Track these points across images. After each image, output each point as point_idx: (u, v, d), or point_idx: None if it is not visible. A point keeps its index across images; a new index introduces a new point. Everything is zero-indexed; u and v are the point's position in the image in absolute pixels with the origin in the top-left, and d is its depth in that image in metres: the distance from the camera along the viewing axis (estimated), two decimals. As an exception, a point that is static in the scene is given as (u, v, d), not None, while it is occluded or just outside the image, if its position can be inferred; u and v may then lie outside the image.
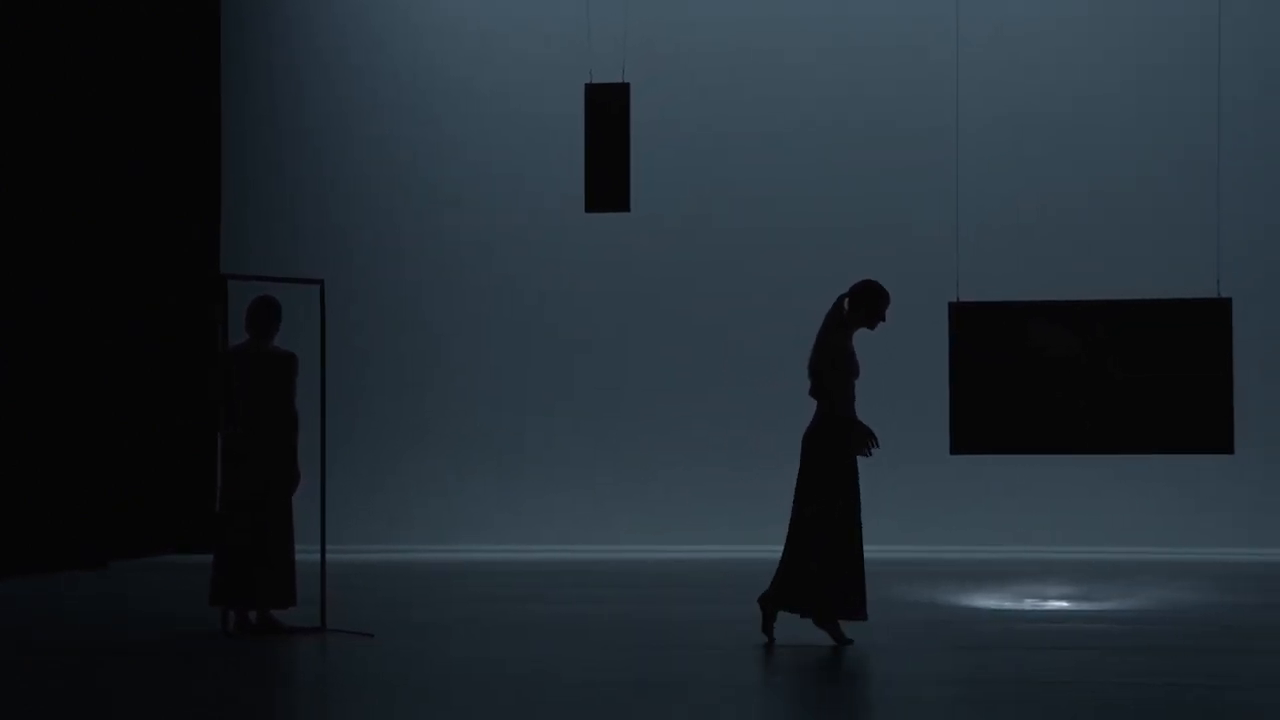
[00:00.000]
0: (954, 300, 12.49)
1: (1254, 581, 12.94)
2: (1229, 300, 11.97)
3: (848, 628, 9.64)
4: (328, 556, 10.43)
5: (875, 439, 9.63)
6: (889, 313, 9.86)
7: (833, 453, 9.63)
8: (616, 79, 12.73)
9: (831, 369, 9.67)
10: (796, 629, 9.70)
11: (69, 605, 11.99)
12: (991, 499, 14.99)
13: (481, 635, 10.25)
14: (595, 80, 12.73)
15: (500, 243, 15.69)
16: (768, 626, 9.71)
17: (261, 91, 15.81)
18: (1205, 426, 11.78)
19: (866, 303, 9.74)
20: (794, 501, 9.74)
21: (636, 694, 8.35)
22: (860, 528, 9.65)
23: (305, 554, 10.48)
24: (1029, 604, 11.67)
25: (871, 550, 15.12)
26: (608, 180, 12.40)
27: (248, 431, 10.20)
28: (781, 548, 9.75)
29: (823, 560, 9.57)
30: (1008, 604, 11.65)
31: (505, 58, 15.66)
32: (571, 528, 15.43)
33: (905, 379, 14.83)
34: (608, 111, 12.40)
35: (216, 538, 10.31)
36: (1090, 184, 15.15)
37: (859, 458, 9.69)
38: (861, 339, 15.29)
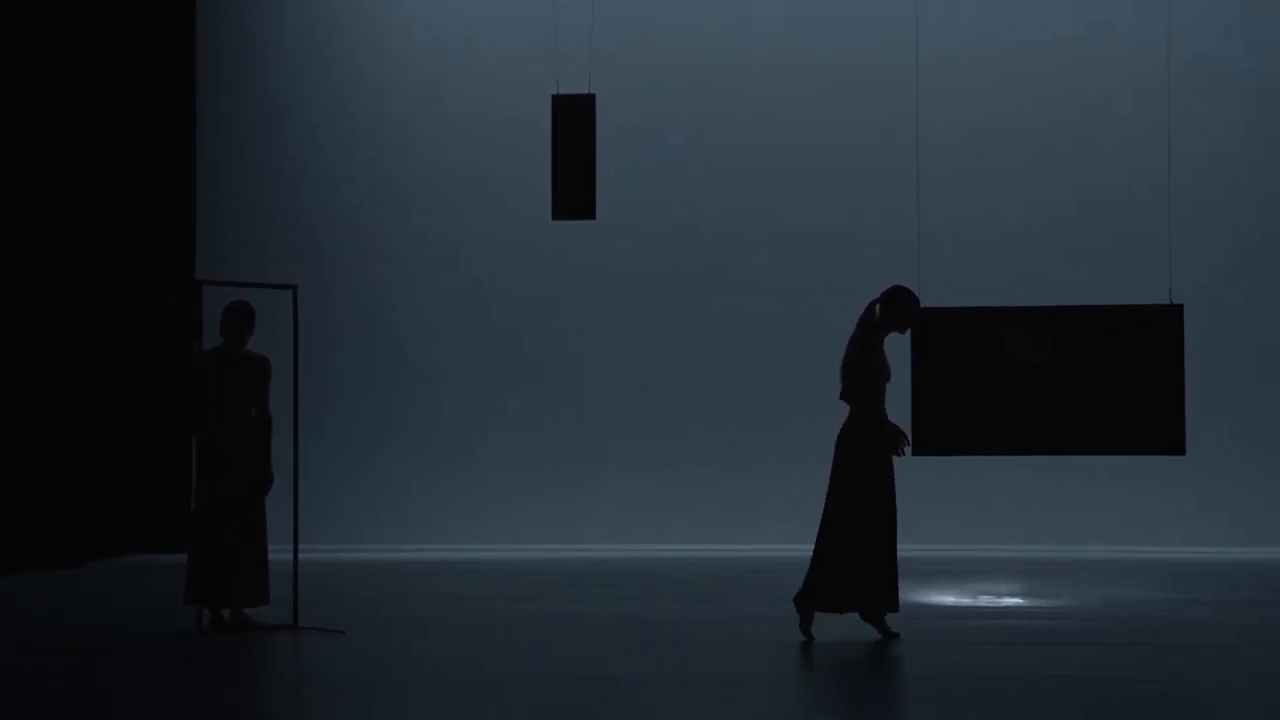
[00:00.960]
0: (914, 305, 12.51)
1: (1204, 579, 12.99)
2: (1180, 307, 12.02)
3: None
4: (300, 556, 10.40)
5: (906, 438, 9.68)
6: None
7: (866, 452, 9.64)
8: (582, 90, 12.73)
9: (862, 372, 9.67)
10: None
11: (46, 604, 11.91)
12: (952, 498, 15.02)
13: (450, 632, 10.23)
14: (562, 91, 12.72)
15: (469, 249, 15.66)
16: (806, 626, 9.70)
17: (236, 102, 15.75)
18: (1158, 428, 11.83)
19: (897, 307, 9.78)
20: (827, 500, 9.73)
21: (601, 690, 8.33)
22: (895, 524, 9.67)
23: (278, 553, 10.46)
24: (984, 601, 11.70)
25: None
26: (574, 188, 12.39)
27: (222, 433, 10.16)
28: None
29: (860, 557, 9.57)
30: (964, 600, 11.67)
31: (474, 69, 15.64)
32: (536, 527, 15.42)
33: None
34: (574, 121, 12.39)
35: (192, 538, 10.27)
36: (1048, 196, 15.20)
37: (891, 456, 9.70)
38: (829, 346, 15.34)
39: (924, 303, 12.56)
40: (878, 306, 9.80)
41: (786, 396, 15.23)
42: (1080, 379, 11.95)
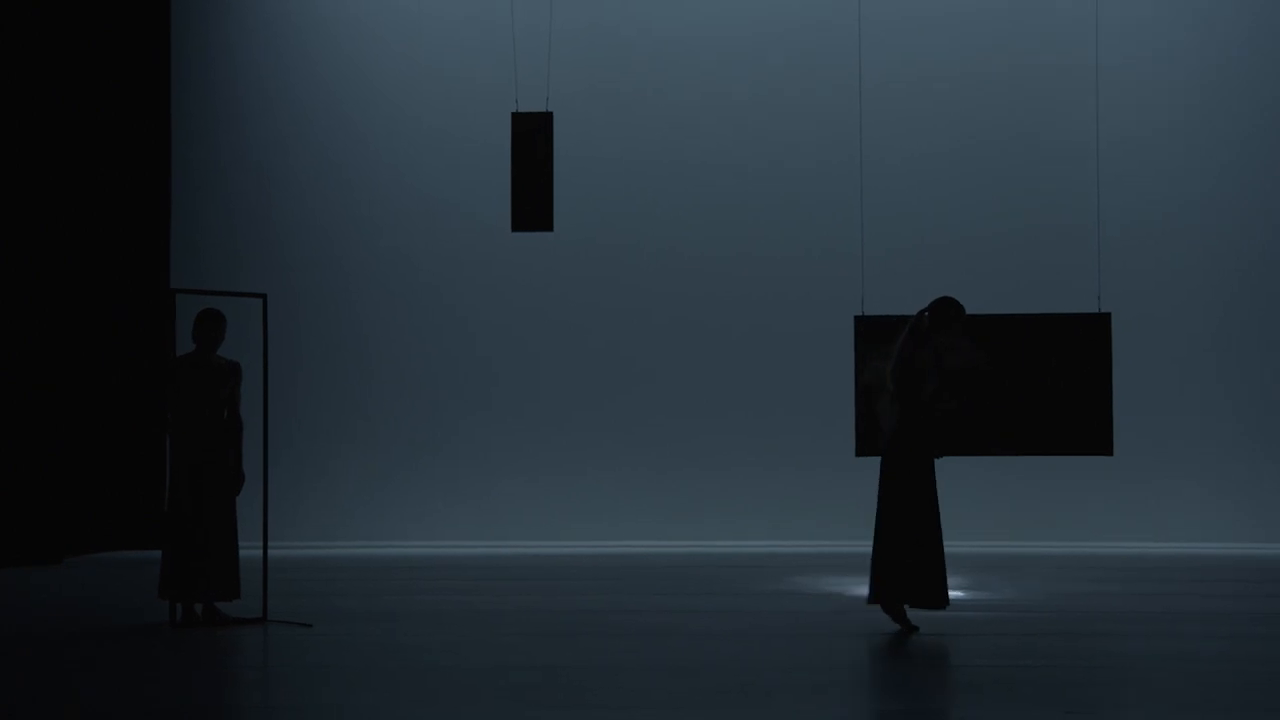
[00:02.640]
0: (859, 314, 12.58)
1: (1131, 573, 13.05)
2: (1109, 315, 12.11)
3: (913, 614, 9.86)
4: (269, 552, 10.38)
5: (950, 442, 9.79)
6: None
7: (914, 456, 9.68)
8: (541, 108, 12.74)
9: (909, 378, 9.69)
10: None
11: (25, 599, 11.84)
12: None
13: (412, 625, 10.21)
14: (521, 109, 12.74)
15: (432, 259, 15.65)
16: (901, 619, 9.77)
17: (209, 121, 15.70)
18: (1087, 430, 11.91)
19: (943, 317, 9.76)
20: (880, 503, 9.79)
21: (533, 678, 8.34)
22: (940, 522, 9.73)
23: (248, 550, 10.43)
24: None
25: (785, 545, 15.25)
26: (532, 202, 12.40)
27: (194, 435, 10.13)
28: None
29: (902, 553, 9.67)
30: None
31: (438, 89, 15.63)
32: (495, 525, 15.42)
33: (815, 387, 14.92)
34: (532, 138, 12.41)
35: (165, 535, 10.23)
36: (984, 209, 15.28)
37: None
38: (776, 352, 15.40)
39: (866, 312, 12.65)
40: (926, 316, 9.77)
41: (728, 401, 15.28)
42: (1016, 383, 12.01)
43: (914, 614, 9.91)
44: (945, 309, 9.76)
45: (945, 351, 9.73)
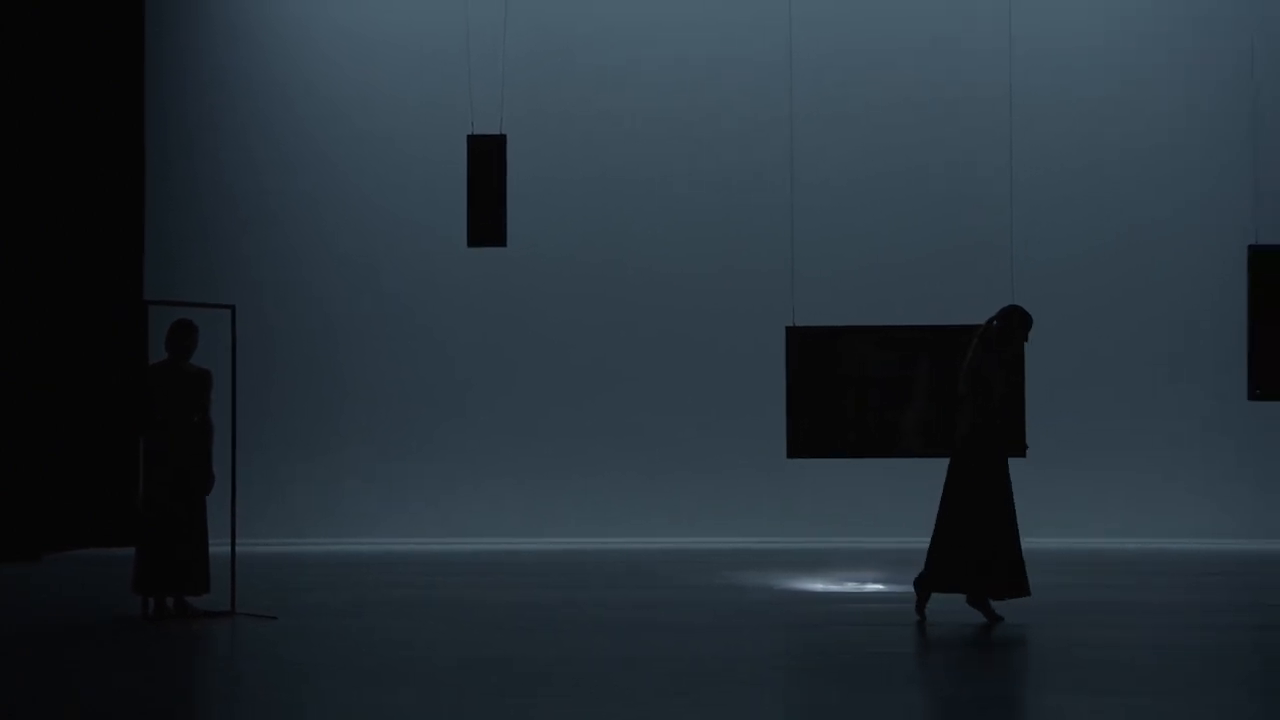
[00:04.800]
0: (790, 325, 12.68)
1: (1044, 565, 13.16)
2: (1022, 325, 12.20)
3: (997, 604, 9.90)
4: (237, 549, 10.39)
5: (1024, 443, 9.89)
6: (1031, 333, 9.92)
7: (984, 456, 9.68)
8: (495, 131, 12.80)
9: (981, 383, 9.67)
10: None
11: (7, 593, 11.79)
12: (821, 497, 15.17)
13: (373, 617, 10.23)
14: (476, 132, 12.79)
15: (393, 271, 15.67)
16: (920, 607, 9.83)
17: (182, 141, 15.66)
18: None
19: (1010, 325, 9.74)
20: (946, 496, 9.80)
21: (483, 670, 8.38)
22: (1015, 516, 9.74)
23: (218, 547, 10.43)
24: (849, 587, 11.82)
25: (715, 542, 15.32)
26: (487, 219, 12.45)
27: (167, 438, 10.13)
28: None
29: (975, 547, 9.67)
30: (832, 587, 11.79)
31: (398, 112, 15.65)
32: (453, 523, 15.44)
33: (749, 393, 15.03)
34: (487, 159, 12.46)
35: (139, 532, 10.22)
36: (903, 228, 15.41)
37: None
38: (713, 361, 15.47)
39: (797, 323, 12.75)
40: (995, 325, 9.75)
41: (669, 407, 15.36)
42: (933, 389, 12.13)
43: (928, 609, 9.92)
44: (1011, 318, 9.74)
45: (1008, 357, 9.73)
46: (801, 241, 14.40)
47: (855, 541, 14.86)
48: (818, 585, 11.85)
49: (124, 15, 15.33)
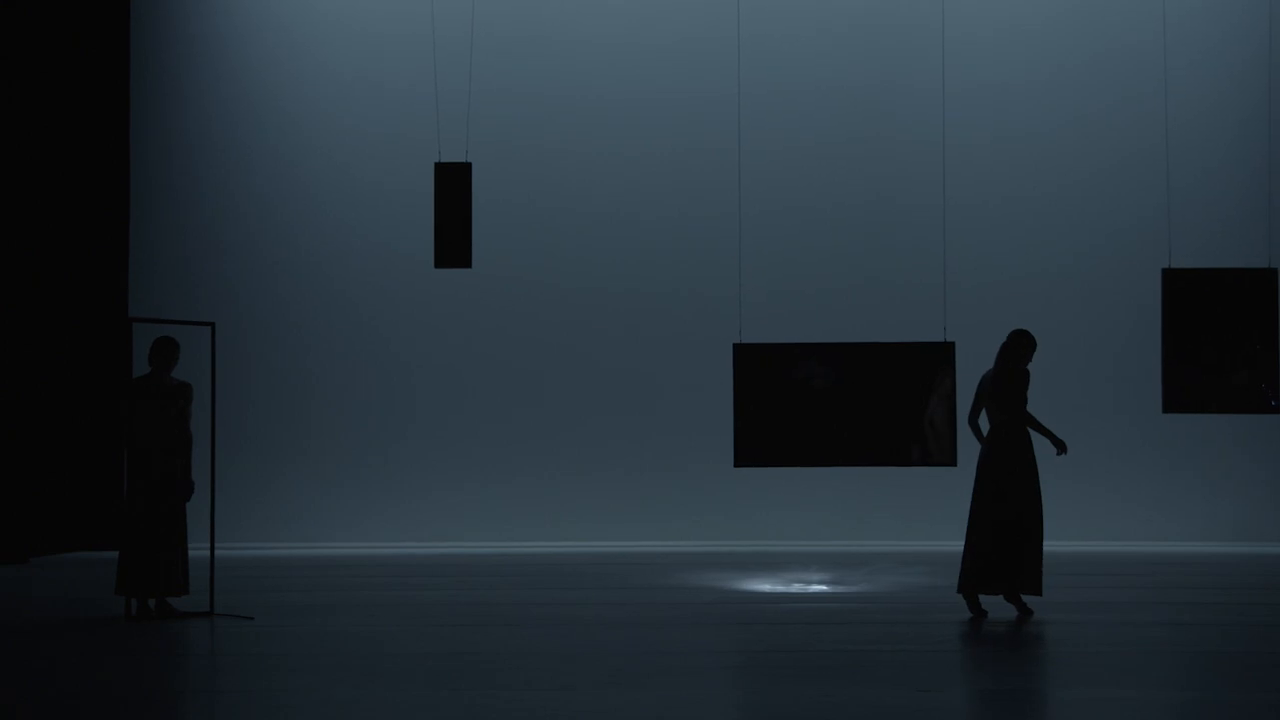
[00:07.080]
0: (738, 342, 12.74)
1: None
2: (953, 343, 12.34)
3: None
4: (216, 552, 10.37)
5: (1064, 445, 10.11)
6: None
7: (1017, 458, 10.00)
8: (461, 159, 12.83)
9: (1014, 395, 10.05)
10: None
11: (-6, 595, 11.75)
12: (767, 502, 15.24)
13: (343, 616, 10.23)
14: (443, 159, 12.82)
15: (364, 290, 15.67)
16: (1018, 603, 9.99)
17: (164, 166, 15.63)
18: (935, 444, 12.13)
19: (1017, 345, 10.13)
20: (975, 501, 10.09)
21: (463, 664, 8.40)
22: (1042, 516, 10.01)
23: (197, 550, 10.41)
24: (795, 587, 11.87)
25: (667, 545, 15.32)
26: (453, 241, 12.47)
27: (149, 448, 10.11)
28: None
29: (1006, 547, 9.94)
30: (779, 587, 11.84)
31: (372, 141, 15.65)
32: (423, 527, 15.44)
33: (699, 405, 15.08)
34: (453, 185, 12.49)
35: (122, 536, 10.19)
36: (844, 251, 15.51)
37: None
38: (666, 374, 15.52)
39: (743, 340, 12.82)
40: (1008, 343, 10.15)
41: (621, 417, 15.40)
42: (871, 403, 12.20)
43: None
44: (1019, 339, 10.16)
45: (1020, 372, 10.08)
46: (749, 266, 14.49)
47: (798, 545, 14.93)
48: (764, 586, 11.89)
49: (110, 38, 15.28)
